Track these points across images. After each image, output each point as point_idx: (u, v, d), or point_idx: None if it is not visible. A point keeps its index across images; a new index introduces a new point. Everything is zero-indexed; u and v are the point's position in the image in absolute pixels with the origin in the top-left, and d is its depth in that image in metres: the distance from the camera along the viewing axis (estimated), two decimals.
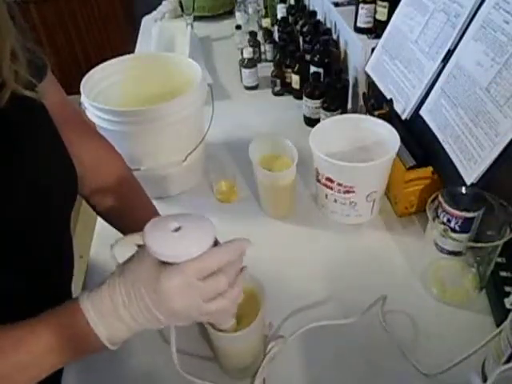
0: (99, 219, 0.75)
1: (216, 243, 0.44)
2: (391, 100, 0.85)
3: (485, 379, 0.44)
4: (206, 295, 0.42)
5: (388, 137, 0.76)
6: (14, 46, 0.45)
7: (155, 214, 0.65)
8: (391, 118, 0.82)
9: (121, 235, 0.63)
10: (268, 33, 1.37)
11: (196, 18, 1.60)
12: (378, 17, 0.96)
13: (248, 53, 1.20)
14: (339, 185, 0.73)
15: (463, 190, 0.64)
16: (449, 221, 0.64)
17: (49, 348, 0.42)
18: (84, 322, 0.42)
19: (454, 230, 0.64)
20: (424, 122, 0.77)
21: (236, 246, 0.44)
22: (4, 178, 0.47)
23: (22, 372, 0.43)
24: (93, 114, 0.77)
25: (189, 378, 0.51)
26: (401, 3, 0.90)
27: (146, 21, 1.72)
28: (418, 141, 0.77)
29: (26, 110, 0.50)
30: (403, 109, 0.83)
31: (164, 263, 0.41)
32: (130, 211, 0.64)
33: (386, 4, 0.93)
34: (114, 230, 0.65)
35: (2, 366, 0.41)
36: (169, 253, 0.40)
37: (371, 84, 0.95)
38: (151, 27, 1.56)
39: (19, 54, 0.46)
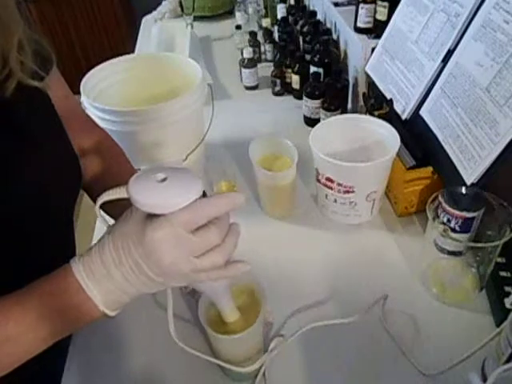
0: (99, 220, 0.74)
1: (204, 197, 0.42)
2: (391, 100, 0.85)
3: (485, 379, 0.44)
4: (196, 249, 0.40)
5: (388, 137, 0.76)
6: (20, 37, 0.46)
7: None
8: (391, 118, 0.82)
9: None
10: (268, 33, 1.37)
11: (196, 18, 1.60)
12: (378, 17, 0.96)
13: (248, 53, 1.20)
14: (339, 185, 0.73)
15: (463, 190, 0.64)
16: (449, 221, 0.64)
17: (38, 318, 0.41)
18: (76, 284, 0.41)
19: (454, 230, 0.64)
20: (424, 121, 0.77)
21: (227, 199, 0.41)
22: (9, 168, 0.48)
23: (11, 344, 0.41)
24: (93, 113, 0.77)
25: (186, 349, 0.50)
26: (401, 3, 0.90)
27: (146, 21, 1.72)
28: (418, 141, 0.77)
29: (32, 100, 0.51)
30: (403, 109, 0.83)
31: (152, 217, 0.39)
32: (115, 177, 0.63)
33: (386, 4, 0.93)
34: None
35: None
36: (154, 202, 0.38)
37: (371, 84, 0.95)
38: (151, 27, 1.56)
39: (25, 44, 0.47)
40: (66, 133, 0.57)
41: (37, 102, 0.53)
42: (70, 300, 0.41)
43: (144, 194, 0.38)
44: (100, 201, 0.42)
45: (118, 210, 0.43)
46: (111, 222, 0.44)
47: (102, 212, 0.44)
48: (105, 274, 0.40)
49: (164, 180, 0.39)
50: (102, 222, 0.44)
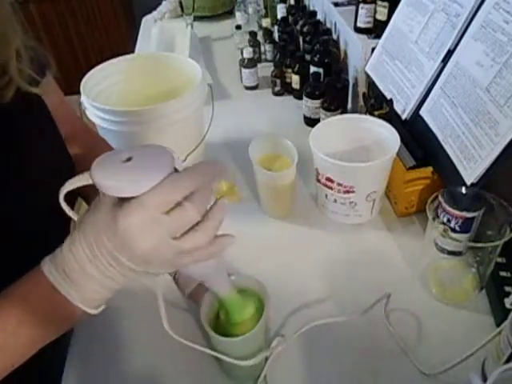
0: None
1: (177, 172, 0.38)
2: (391, 100, 0.85)
3: (485, 379, 0.44)
4: (173, 230, 0.36)
5: (388, 137, 0.76)
6: (18, 45, 0.46)
7: None
8: (391, 118, 0.82)
9: None
10: (268, 33, 1.37)
11: (196, 18, 1.60)
12: (378, 17, 0.96)
13: (248, 53, 1.20)
14: (339, 185, 0.73)
15: (463, 190, 0.64)
16: (449, 221, 0.64)
17: (16, 325, 0.39)
18: (50, 286, 0.38)
19: (454, 230, 0.64)
20: (424, 121, 0.77)
21: (203, 170, 0.37)
22: (5, 174, 0.48)
23: None
24: (93, 113, 0.77)
25: (181, 341, 0.48)
26: (401, 3, 0.90)
27: (146, 21, 1.72)
28: (418, 141, 0.77)
29: (28, 106, 0.51)
30: (403, 109, 0.83)
31: (122, 202, 0.35)
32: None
33: (386, 4, 0.93)
34: None
35: None
36: (120, 185, 0.34)
37: (371, 84, 0.95)
38: (151, 27, 1.56)
39: (22, 52, 0.47)
40: (62, 138, 0.57)
41: (33, 108, 0.53)
42: (45, 302, 0.39)
43: (109, 176, 0.35)
44: (63, 191, 0.38)
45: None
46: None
47: (65, 204, 0.40)
48: (79, 271, 0.38)
49: (129, 160, 0.36)
50: (71, 215, 0.40)
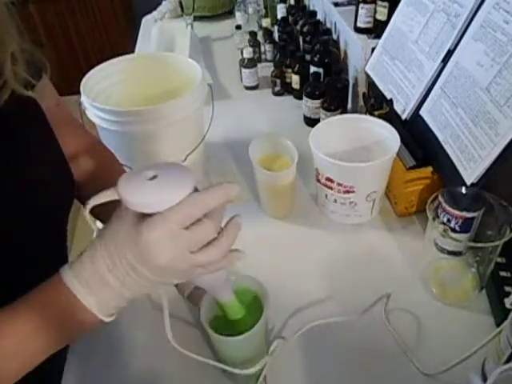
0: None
1: (196, 191, 0.40)
2: (391, 100, 0.85)
3: (485, 379, 0.44)
4: (192, 244, 0.39)
5: (388, 137, 0.76)
6: (14, 49, 0.46)
7: None
8: (391, 118, 0.82)
9: None
10: (268, 33, 1.37)
11: (196, 18, 1.60)
12: (378, 17, 0.96)
13: (248, 53, 1.20)
14: (339, 185, 0.73)
15: (463, 190, 0.64)
16: (449, 221, 0.64)
17: (33, 331, 0.40)
18: (69, 293, 0.39)
19: (454, 230, 0.64)
20: (424, 121, 0.77)
21: (222, 191, 0.39)
22: (4, 174, 0.48)
23: (7, 359, 0.40)
24: (93, 113, 0.77)
25: (183, 352, 0.49)
26: (401, 3, 0.90)
27: (146, 21, 1.72)
28: (418, 141, 0.77)
29: (22, 109, 0.51)
30: (403, 109, 0.83)
31: (144, 216, 0.38)
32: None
33: (386, 4, 0.93)
34: None
35: None
36: (146, 201, 0.37)
37: (371, 84, 0.95)
38: (151, 27, 1.56)
39: (18, 55, 0.47)
40: (58, 142, 0.57)
41: (27, 111, 0.53)
42: (63, 309, 0.40)
43: (135, 193, 0.37)
44: (90, 205, 0.41)
45: (105, 212, 0.42)
46: (100, 226, 0.43)
47: (90, 216, 0.42)
48: (98, 279, 0.39)
49: (154, 177, 0.38)
50: (93, 226, 0.43)
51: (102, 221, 0.59)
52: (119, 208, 0.40)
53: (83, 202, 0.59)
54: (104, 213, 0.55)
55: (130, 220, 0.38)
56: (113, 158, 0.66)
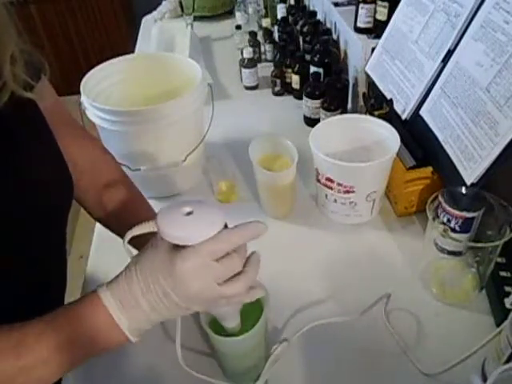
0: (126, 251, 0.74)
1: (226, 227, 0.45)
2: (391, 100, 0.85)
3: (485, 379, 0.44)
4: (220, 276, 0.42)
5: (388, 137, 0.76)
6: (13, 50, 0.46)
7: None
8: (391, 118, 0.82)
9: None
10: (268, 33, 1.37)
11: (196, 18, 1.60)
12: (378, 17, 0.96)
13: (248, 53, 1.20)
14: (339, 185, 0.73)
15: (463, 190, 0.64)
16: (449, 221, 0.64)
17: (69, 341, 0.42)
18: (104, 312, 0.42)
19: (454, 230, 0.64)
20: (424, 121, 0.77)
21: (251, 229, 0.43)
22: (4, 174, 0.48)
23: (27, 374, 0.41)
24: (93, 113, 0.77)
25: (193, 374, 0.51)
26: (401, 3, 0.90)
27: (146, 21, 1.72)
28: (418, 141, 0.77)
29: (22, 110, 0.51)
30: (403, 109, 0.83)
31: (178, 247, 0.41)
32: (131, 213, 0.63)
33: (386, 4, 0.93)
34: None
35: (7, 368, 0.40)
36: (183, 235, 0.41)
37: (371, 84, 0.95)
38: (151, 27, 1.56)
39: (17, 56, 0.47)
40: (57, 143, 0.57)
41: (26, 113, 0.52)
42: (96, 326, 0.42)
43: (173, 227, 0.41)
44: (129, 236, 0.44)
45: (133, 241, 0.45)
46: (135, 252, 0.46)
47: (128, 246, 0.45)
48: (132, 302, 0.42)
49: (190, 213, 0.42)
50: (128, 254, 0.46)
51: (111, 229, 0.64)
52: (155, 238, 0.43)
53: (116, 233, 0.63)
54: (117, 225, 0.63)
55: (164, 250, 0.42)
56: (139, 193, 0.68)
